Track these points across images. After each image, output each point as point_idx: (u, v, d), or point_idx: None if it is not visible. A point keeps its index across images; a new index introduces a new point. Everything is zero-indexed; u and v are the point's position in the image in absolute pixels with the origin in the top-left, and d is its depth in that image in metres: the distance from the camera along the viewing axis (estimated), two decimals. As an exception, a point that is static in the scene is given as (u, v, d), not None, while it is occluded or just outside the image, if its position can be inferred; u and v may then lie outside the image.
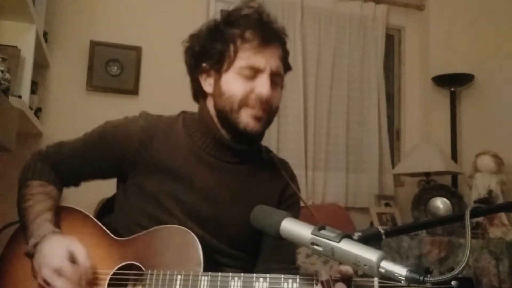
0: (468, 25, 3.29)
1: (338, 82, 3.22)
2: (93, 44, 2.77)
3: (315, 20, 3.21)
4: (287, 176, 1.22)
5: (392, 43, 3.57)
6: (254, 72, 1.09)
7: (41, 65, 2.53)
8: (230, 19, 1.14)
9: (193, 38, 1.17)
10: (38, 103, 2.47)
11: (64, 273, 0.99)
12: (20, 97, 1.80)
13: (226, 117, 1.11)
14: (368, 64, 3.31)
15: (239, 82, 1.09)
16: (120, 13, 2.86)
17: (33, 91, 2.26)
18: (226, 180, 1.16)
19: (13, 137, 1.42)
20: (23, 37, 1.97)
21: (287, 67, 1.19)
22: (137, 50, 2.85)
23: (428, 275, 0.65)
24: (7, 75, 1.46)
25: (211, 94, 1.15)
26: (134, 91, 2.83)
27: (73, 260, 1.01)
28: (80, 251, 1.02)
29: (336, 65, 3.23)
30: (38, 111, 2.47)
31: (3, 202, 1.21)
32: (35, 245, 1.03)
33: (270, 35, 1.11)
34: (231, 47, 1.10)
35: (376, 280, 0.90)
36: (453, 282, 0.69)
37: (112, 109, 2.72)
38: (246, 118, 1.09)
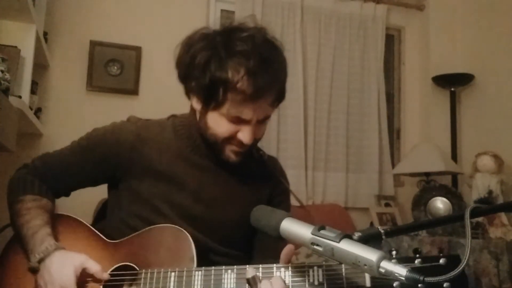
0: (468, 25, 3.29)
1: (338, 82, 3.22)
2: (93, 44, 2.77)
3: (315, 20, 3.20)
4: (277, 173, 1.25)
5: (392, 43, 3.57)
6: (240, 121, 1.07)
7: (41, 65, 2.53)
8: (226, 53, 1.02)
9: (186, 48, 1.09)
10: (38, 103, 2.47)
11: None
12: (20, 97, 1.80)
13: (210, 144, 1.12)
14: (368, 64, 3.30)
15: (224, 123, 1.07)
16: (120, 13, 2.86)
17: (33, 91, 2.26)
18: (217, 181, 1.17)
19: (13, 137, 1.42)
20: (23, 37, 1.97)
21: (281, 100, 1.12)
22: (137, 50, 2.84)
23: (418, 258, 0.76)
24: (7, 75, 1.45)
25: (198, 116, 1.13)
26: (134, 91, 2.83)
27: (79, 277, 1.01)
28: (96, 266, 1.03)
29: (336, 65, 3.22)
30: (38, 111, 2.47)
31: (3, 202, 1.20)
32: (40, 261, 1.03)
33: (263, 86, 1.03)
34: (220, 92, 1.02)
35: (367, 276, 0.91)
36: (445, 284, 0.74)
37: (112, 109, 2.73)
38: (229, 153, 1.11)
